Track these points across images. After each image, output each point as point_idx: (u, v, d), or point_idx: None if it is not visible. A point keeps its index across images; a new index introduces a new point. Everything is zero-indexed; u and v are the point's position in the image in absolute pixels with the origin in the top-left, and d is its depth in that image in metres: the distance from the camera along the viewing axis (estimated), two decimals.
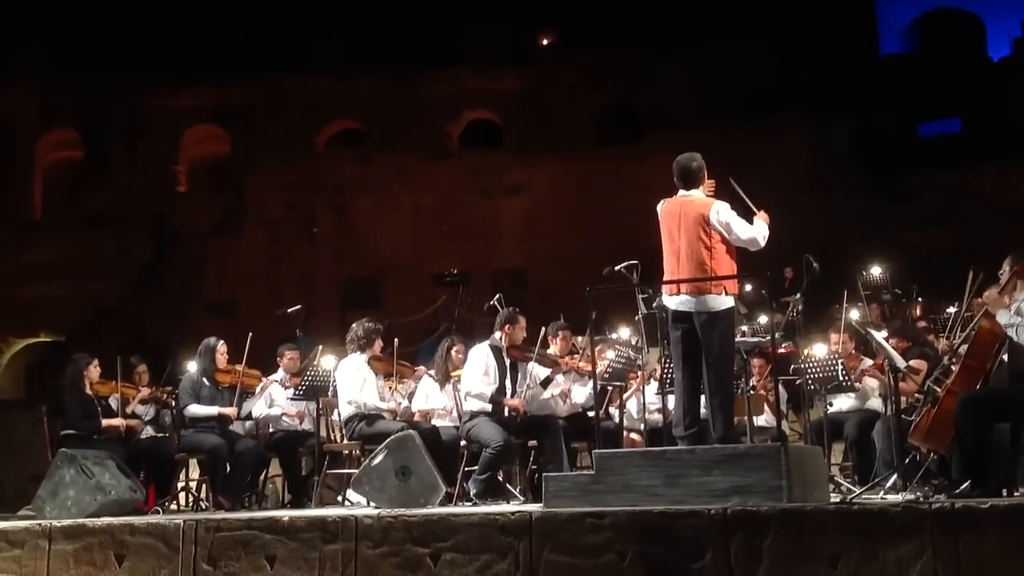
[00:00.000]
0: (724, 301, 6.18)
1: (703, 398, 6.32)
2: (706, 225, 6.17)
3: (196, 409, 8.31)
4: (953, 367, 6.21)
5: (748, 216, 6.32)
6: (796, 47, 21.69)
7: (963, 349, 6.19)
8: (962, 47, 23.08)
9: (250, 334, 8.68)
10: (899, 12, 24.66)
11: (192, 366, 8.63)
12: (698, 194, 6.34)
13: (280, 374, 8.90)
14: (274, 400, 8.80)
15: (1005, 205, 17.70)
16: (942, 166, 18.92)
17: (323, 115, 24.55)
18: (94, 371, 8.54)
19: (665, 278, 6.34)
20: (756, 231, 6.22)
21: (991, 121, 19.83)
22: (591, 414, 7.69)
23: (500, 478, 7.70)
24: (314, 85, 23.74)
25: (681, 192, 6.39)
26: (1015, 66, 20.91)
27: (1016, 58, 21.23)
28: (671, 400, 7.83)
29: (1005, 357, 5.99)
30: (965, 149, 19.45)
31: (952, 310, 8.13)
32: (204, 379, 8.44)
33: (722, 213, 6.19)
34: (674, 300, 6.26)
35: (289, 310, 10.73)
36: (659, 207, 6.44)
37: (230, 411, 8.41)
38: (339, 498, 8.31)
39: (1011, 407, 5.92)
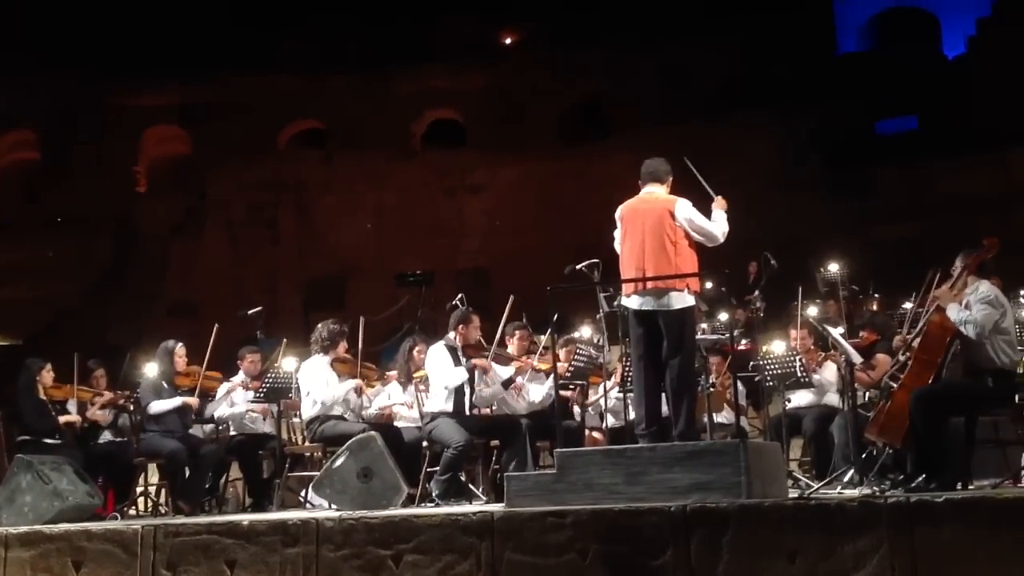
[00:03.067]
0: (687, 299, 6.21)
1: (664, 396, 6.34)
2: (671, 220, 6.20)
3: (159, 404, 8.23)
4: (908, 362, 6.28)
5: (707, 202, 6.36)
6: (758, 45, 21.85)
7: (917, 344, 6.26)
8: (918, 45, 23.36)
9: (215, 326, 8.61)
10: (856, 10, 24.90)
11: (151, 369, 8.55)
12: (661, 191, 6.37)
13: (241, 376, 8.84)
14: (235, 403, 8.73)
15: (962, 200, 17.96)
16: (901, 162, 19.17)
17: (286, 114, 24.43)
18: (47, 376, 8.45)
19: (627, 276, 6.35)
20: (717, 227, 6.26)
21: (947, 118, 20.09)
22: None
23: (462, 478, 7.69)
24: (276, 84, 23.61)
25: (644, 190, 6.41)
26: (970, 64, 21.19)
27: (971, 56, 21.50)
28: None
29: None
30: (922, 145, 19.70)
31: (908, 305, 8.23)
32: (163, 382, 8.37)
33: (686, 208, 6.22)
34: (636, 300, 6.28)
35: (249, 311, 10.66)
36: (619, 210, 6.45)
37: (192, 400, 8.36)
38: (301, 501, 8.27)
39: (964, 400, 6.01)
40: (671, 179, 6.44)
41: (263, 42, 24.22)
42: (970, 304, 5.98)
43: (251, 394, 8.58)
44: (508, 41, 26.06)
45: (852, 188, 19.11)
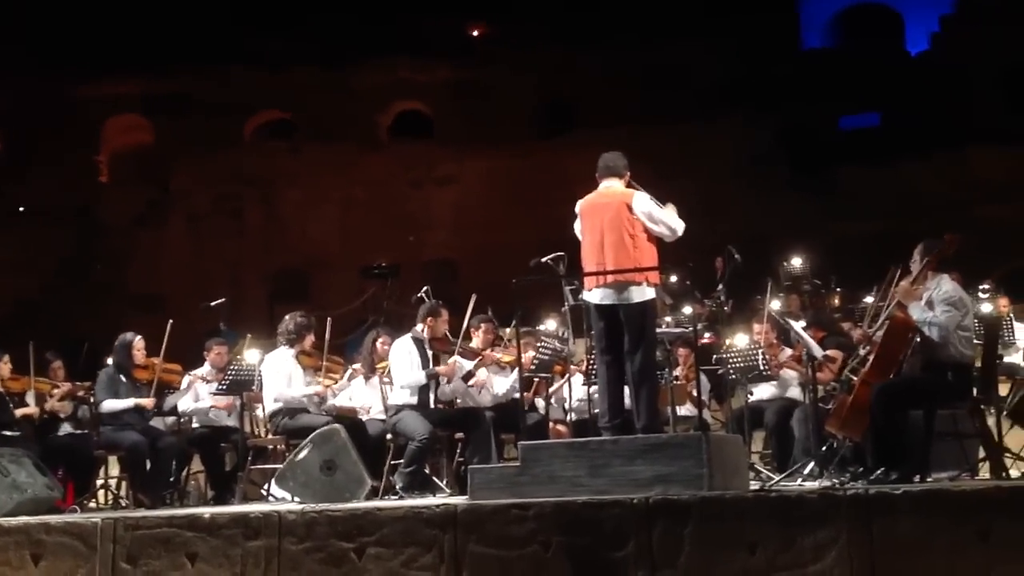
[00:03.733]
0: (647, 292, 6.23)
1: (627, 389, 6.37)
2: (629, 214, 6.21)
3: (112, 404, 8.16)
4: (868, 356, 6.34)
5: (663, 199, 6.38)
6: (724, 45, 21.96)
7: (878, 338, 6.32)
8: (882, 42, 23.57)
9: (170, 322, 8.53)
10: (820, 7, 25.09)
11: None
12: (619, 185, 6.39)
13: (205, 368, 8.77)
14: (199, 396, 8.67)
15: (924, 195, 18.18)
16: (863, 159, 19.36)
17: (251, 105, 24.25)
18: (4, 367, 8.35)
19: (587, 271, 6.36)
20: (675, 221, 6.29)
21: (910, 115, 20.31)
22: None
23: (427, 471, 7.69)
24: (242, 75, 23.41)
25: (603, 184, 6.43)
26: (932, 61, 21.41)
27: (934, 53, 21.72)
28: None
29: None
30: (885, 142, 19.91)
31: (870, 300, 8.32)
32: (121, 376, 8.28)
33: (644, 201, 6.24)
34: (597, 293, 6.30)
35: (212, 303, 10.58)
36: (578, 205, 6.47)
37: (147, 401, 8.26)
38: (263, 494, 8.23)
39: (923, 395, 6.07)
40: (628, 173, 6.45)
41: (229, 32, 24.00)
42: (932, 301, 6.04)
43: (214, 386, 8.52)
44: (476, 34, 26.00)
45: (816, 184, 19.28)
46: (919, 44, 23.04)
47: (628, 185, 6.41)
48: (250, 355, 8.66)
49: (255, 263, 22.05)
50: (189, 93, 23.23)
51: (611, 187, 6.39)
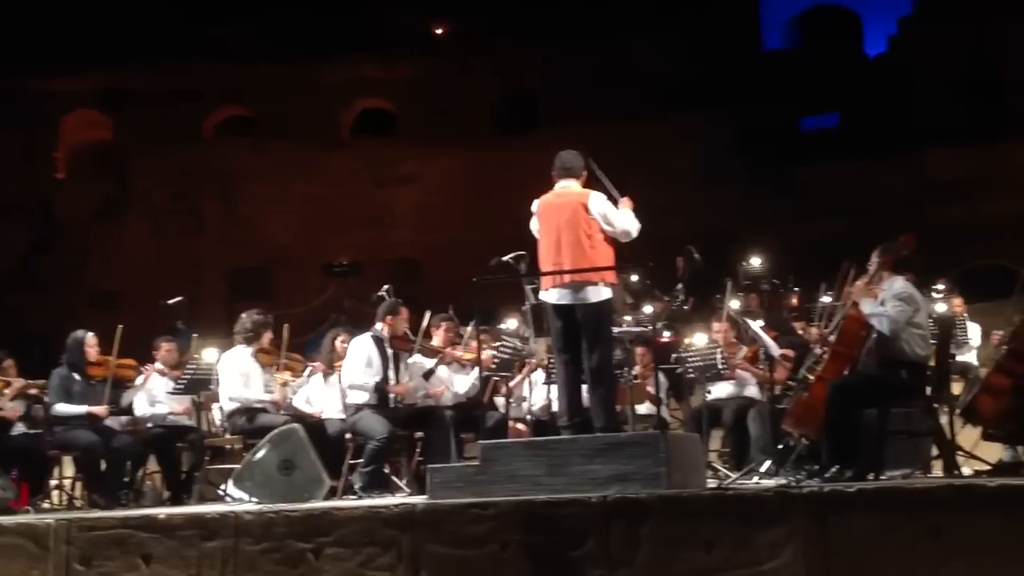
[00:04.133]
0: (603, 292, 6.25)
1: (585, 388, 6.38)
2: (586, 214, 6.23)
3: (64, 408, 8.05)
4: (824, 355, 6.41)
5: (613, 203, 6.39)
6: (685, 44, 22.08)
7: (833, 337, 6.38)
8: (841, 43, 23.81)
9: (120, 327, 8.41)
10: (781, 7, 25.30)
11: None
12: (575, 185, 6.39)
13: (158, 365, 8.68)
14: (155, 396, 8.57)
15: (881, 195, 18.39)
16: (822, 159, 19.54)
17: (212, 101, 24.05)
18: None
19: (544, 271, 6.37)
20: (630, 223, 6.30)
21: (868, 116, 20.52)
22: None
23: (386, 471, 7.67)
24: (203, 70, 23.20)
25: (559, 184, 6.43)
26: (891, 63, 21.65)
27: (892, 55, 21.96)
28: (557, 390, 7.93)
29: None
30: (843, 143, 20.11)
31: (826, 299, 8.39)
32: (74, 374, 8.18)
33: (600, 203, 6.25)
34: (554, 293, 6.31)
35: (170, 301, 10.46)
36: (535, 205, 6.47)
37: (99, 410, 8.14)
38: (220, 494, 8.16)
39: (878, 393, 6.14)
40: (586, 173, 6.46)
41: (189, 26, 23.78)
42: (885, 300, 6.12)
43: (171, 385, 8.43)
44: (440, 31, 25.96)
45: (775, 184, 19.43)
46: (878, 46, 23.29)
47: (585, 185, 6.42)
48: (208, 354, 8.59)
49: (215, 260, 21.88)
50: (148, 88, 22.99)
51: (567, 187, 6.39)
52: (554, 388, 8.16)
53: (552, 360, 7.89)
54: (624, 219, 6.27)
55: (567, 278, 6.21)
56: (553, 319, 6.37)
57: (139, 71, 22.94)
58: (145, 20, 23.29)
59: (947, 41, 20.38)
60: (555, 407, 8.16)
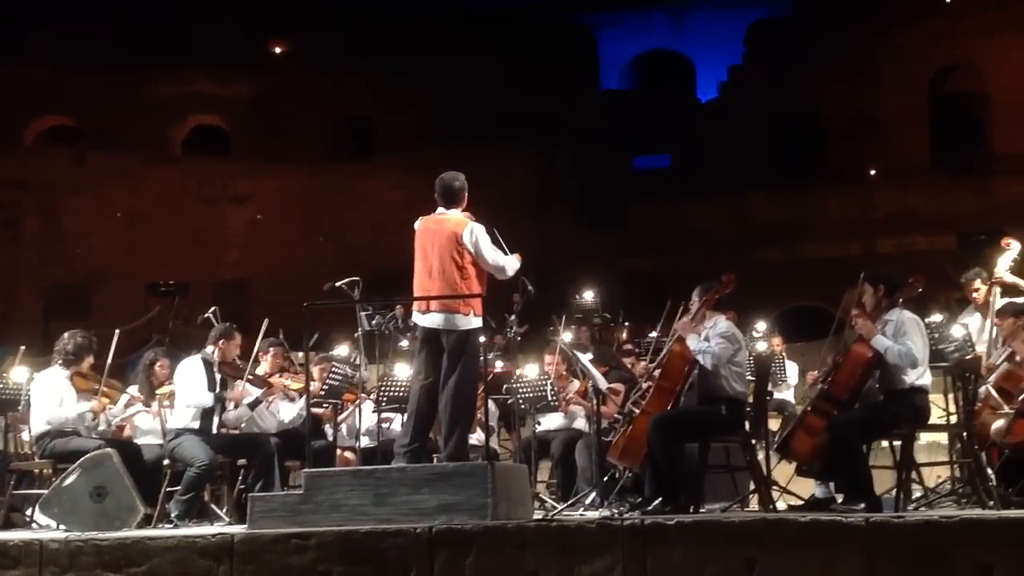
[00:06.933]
0: (472, 321, 6.21)
1: (436, 415, 6.31)
2: (459, 244, 6.20)
3: None
4: (649, 389, 6.56)
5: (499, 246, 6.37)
6: (525, 76, 22.46)
7: (658, 372, 6.55)
8: (675, 87, 24.77)
9: None
10: (619, 49, 26.11)
11: None
12: (456, 213, 6.35)
13: None
14: None
15: (707, 235, 19.10)
16: (653, 198, 20.19)
17: (34, 109, 22.99)
18: None
19: (416, 295, 6.31)
20: (507, 261, 6.28)
21: (697, 158, 21.36)
22: None
23: (206, 498, 7.40)
24: (24, 76, 22.15)
25: (440, 210, 6.38)
26: (720, 108, 22.62)
27: (722, 100, 22.95)
28: (397, 420, 7.86)
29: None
30: (673, 183, 20.85)
31: (654, 335, 8.62)
32: None
33: (475, 234, 6.22)
34: (425, 317, 6.25)
35: None
36: (416, 224, 6.41)
37: None
38: (27, 520, 7.71)
39: (699, 427, 6.34)
40: (466, 194, 6.41)
41: (11, 28, 22.66)
42: (710, 337, 6.33)
43: None
44: (277, 50, 25.59)
45: (607, 220, 19.93)
46: (710, 92, 24.30)
47: (465, 210, 6.38)
48: (17, 373, 8.12)
49: (31, 275, 20.83)
50: None
51: (446, 214, 6.33)
52: (385, 415, 8.12)
53: (383, 387, 7.86)
54: (496, 255, 6.25)
55: (435, 304, 6.16)
56: (420, 342, 6.33)
57: None
58: None
59: (772, 87, 21.44)
60: (385, 436, 8.10)
